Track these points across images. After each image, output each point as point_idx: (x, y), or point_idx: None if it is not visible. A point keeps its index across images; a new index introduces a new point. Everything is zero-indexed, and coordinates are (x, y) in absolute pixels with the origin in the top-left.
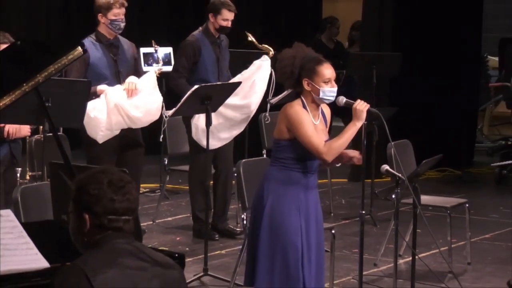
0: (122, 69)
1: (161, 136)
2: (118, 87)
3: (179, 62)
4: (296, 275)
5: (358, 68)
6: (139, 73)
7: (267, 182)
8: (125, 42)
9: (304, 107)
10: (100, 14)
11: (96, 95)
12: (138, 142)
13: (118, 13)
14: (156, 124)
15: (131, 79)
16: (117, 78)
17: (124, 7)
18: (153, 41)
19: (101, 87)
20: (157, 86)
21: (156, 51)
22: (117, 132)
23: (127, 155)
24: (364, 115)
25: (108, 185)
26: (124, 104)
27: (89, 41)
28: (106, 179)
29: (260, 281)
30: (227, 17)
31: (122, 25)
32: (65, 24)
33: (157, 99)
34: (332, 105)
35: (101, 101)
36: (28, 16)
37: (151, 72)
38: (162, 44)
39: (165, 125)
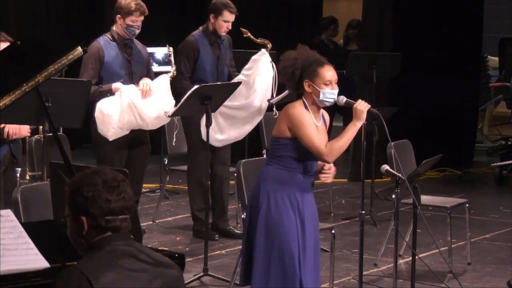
0: (136, 69)
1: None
2: (132, 86)
3: (181, 63)
4: (292, 276)
5: (358, 68)
6: (150, 75)
7: (263, 182)
8: (138, 44)
9: (306, 108)
10: (118, 16)
11: (111, 92)
12: (145, 142)
13: (136, 20)
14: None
15: (146, 80)
16: (131, 78)
17: (144, 15)
18: (167, 45)
19: (116, 85)
20: (170, 90)
21: (170, 54)
22: (127, 132)
23: (133, 154)
24: (364, 115)
25: (103, 186)
26: (138, 104)
27: (104, 40)
28: (100, 180)
29: (256, 281)
30: (227, 18)
31: (137, 31)
32: (65, 24)
33: (169, 102)
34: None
35: (115, 99)
36: (28, 16)
37: (165, 75)
38: (162, 44)
39: (177, 128)
